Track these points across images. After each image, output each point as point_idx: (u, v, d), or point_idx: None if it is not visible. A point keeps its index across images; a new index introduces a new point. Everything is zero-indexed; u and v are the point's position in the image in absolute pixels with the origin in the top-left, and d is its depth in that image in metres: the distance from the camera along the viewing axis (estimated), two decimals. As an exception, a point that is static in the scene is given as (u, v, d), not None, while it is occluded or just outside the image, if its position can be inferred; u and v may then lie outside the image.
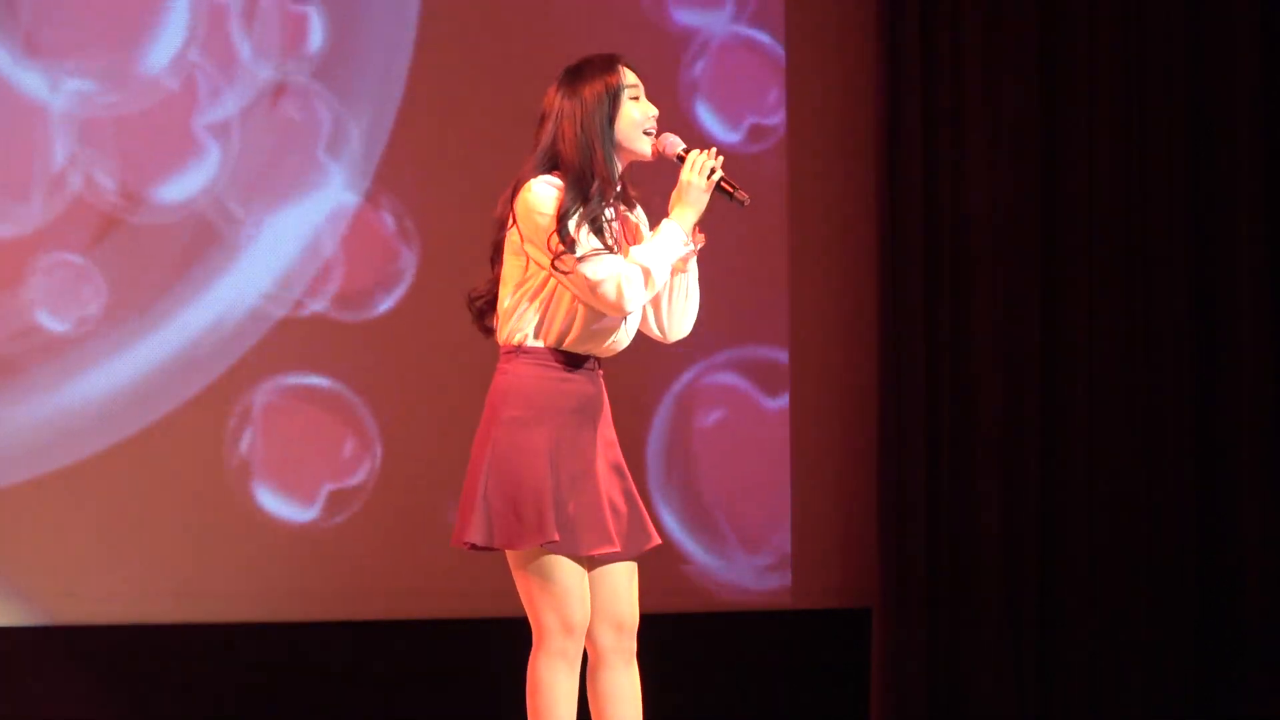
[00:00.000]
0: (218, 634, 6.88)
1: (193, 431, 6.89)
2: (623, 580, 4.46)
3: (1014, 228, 7.31)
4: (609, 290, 4.31)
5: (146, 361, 6.87)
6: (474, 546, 4.39)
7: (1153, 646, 7.32)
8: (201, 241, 6.91)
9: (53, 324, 6.81)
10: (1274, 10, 7.41)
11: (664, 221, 4.43)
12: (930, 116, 7.24)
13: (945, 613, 7.23)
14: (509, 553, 4.39)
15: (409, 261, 7.06)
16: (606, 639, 4.45)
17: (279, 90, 6.95)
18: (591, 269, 4.31)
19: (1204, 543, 7.40)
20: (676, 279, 4.50)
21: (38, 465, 6.80)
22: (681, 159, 4.47)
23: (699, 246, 4.47)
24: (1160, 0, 7.40)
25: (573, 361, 4.42)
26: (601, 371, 4.48)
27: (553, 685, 4.36)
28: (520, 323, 4.41)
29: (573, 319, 4.40)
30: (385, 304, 7.06)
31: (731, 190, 4.44)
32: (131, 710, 6.84)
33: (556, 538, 4.31)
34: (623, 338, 4.48)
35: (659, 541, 4.50)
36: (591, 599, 4.43)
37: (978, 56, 7.29)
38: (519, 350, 4.42)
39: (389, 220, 7.06)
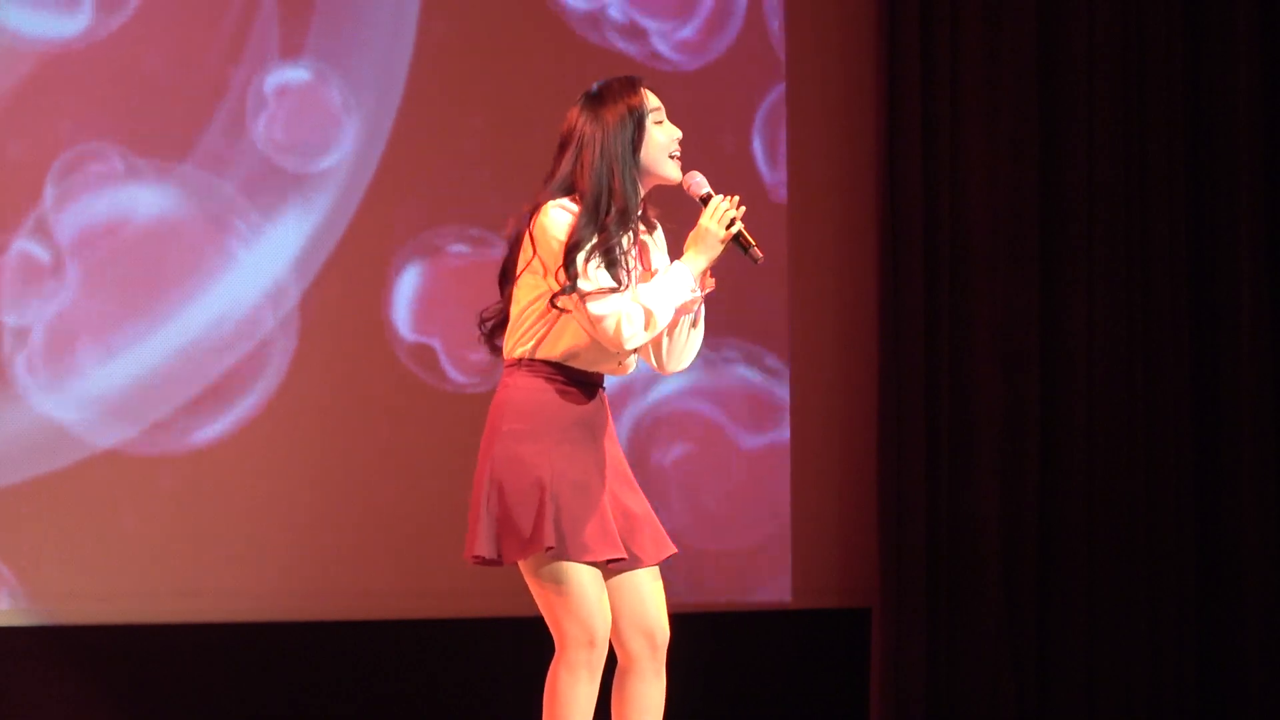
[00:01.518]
0: (218, 634, 6.88)
1: (193, 431, 6.89)
2: (646, 589, 4.45)
3: (1014, 227, 7.31)
4: (608, 327, 4.30)
5: (146, 361, 6.86)
6: (483, 561, 4.39)
7: (1152, 646, 7.33)
8: (203, 240, 6.91)
9: (54, 324, 6.81)
10: (1274, 10, 7.41)
11: (675, 264, 4.41)
12: (930, 117, 7.24)
13: (945, 613, 7.23)
14: (522, 566, 4.39)
15: (414, 262, 7.06)
16: (636, 645, 4.44)
17: (281, 89, 6.96)
18: (593, 305, 4.29)
19: (1203, 542, 7.41)
20: (683, 319, 4.48)
21: (38, 465, 6.80)
22: (704, 202, 4.45)
23: (708, 292, 4.45)
24: (1160, 0, 7.40)
25: (574, 377, 4.41)
26: (604, 390, 4.47)
27: (573, 695, 4.35)
28: (526, 337, 4.40)
29: (582, 337, 4.38)
30: (388, 302, 7.06)
31: (747, 245, 4.41)
32: (131, 710, 6.84)
33: (551, 544, 4.30)
34: (632, 361, 4.47)
35: (675, 550, 4.50)
36: (617, 608, 4.42)
37: (977, 56, 7.29)
38: (520, 364, 4.41)
39: (389, 222, 7.07)
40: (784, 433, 7.33)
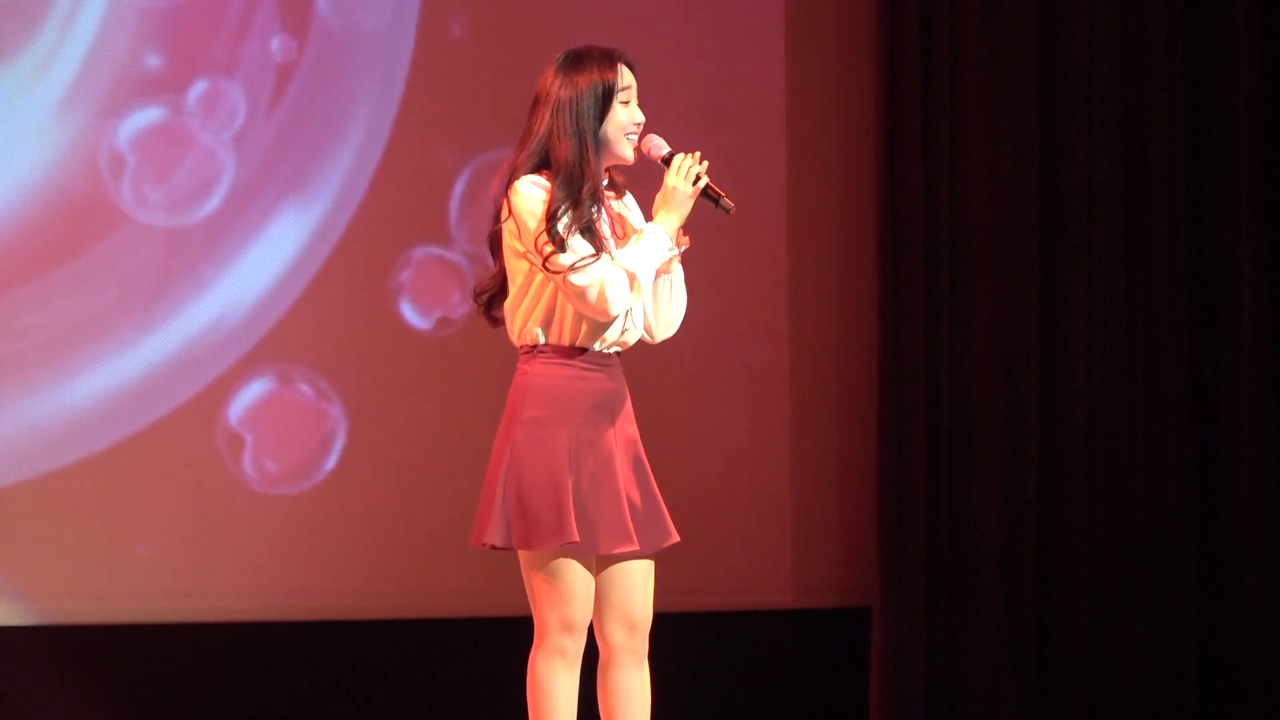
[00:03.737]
0: (218, 634, 6.88)
1: (193, 431, 6.89)
2: (638, 579, 4.46)
3: (1014, 228, 7.31)
4: (592, 295, 4.31)
5: (146, 361, 6.87)
6: (494, 547, 4.39)
7: (1152, 646, 7.33)
8: (202, 240, 6.91)
9: (54, 324, 6.82)
10: (1274, 10, 7.41)
11: (648, 225, 4.43)
12: (930, 116, 7.24)
13: (945, 612, 7.23)
14: (521, 551, 4.39)
15: (413, 262, 7.06)
16: (618, 637, 4.45)
17: (278, 90, 6.96)
18: (575, 277, 4.31)
19: (1203, 542, 7.40)
20: (661, 280, 4.49)
21: (38, 465, 6.80)
22: (666, 162, 4.45)
23: (684, 249, 4.46)
24: (1160, 0, 7.40)
25: (590, 358, 4.42)
26: (621, 364, 4.47)
27: (550, 682, 4.37)
28: (531, 323, 4.42)
29: (580, 314, 4.39)
30: (390, 303, 7.06)
31: (717, 196, 4.43)
32: (131, 710, 6.84)
33: (577, 538, 4.31)
34: (631, 329, 4.47)
35: (678, 539, 4.50)
36: (606, 597, 4.43)
37: (977, 56, 7.29)
38: (536, 350, 4.42)
39: (387, 224, 7.07)
40: (784, 432, 7.32)
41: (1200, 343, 7.43)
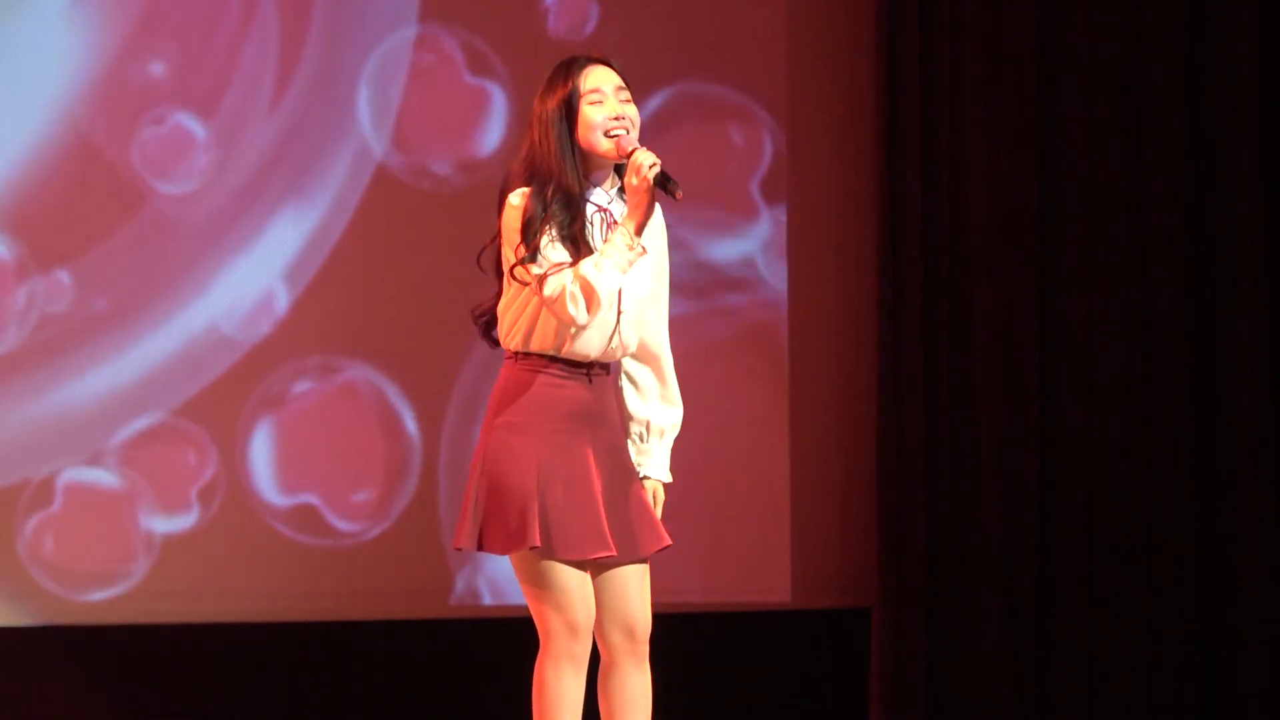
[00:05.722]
0: (217, 634, 6.88)
1: (193, 431, 6.89)
2: (631, 582, 4.46)
3: (1014, 227, 7.31)
4: (556, 304, 4.32)
5: (146, 361, 6.87)
6: (472, 549, 4.41)
7: (1152, 647, 7.33)
8: (202, 239, 6.92)
9: (54, 323, 6.82)
10: (1274, 10, 7.41)
11: (614, 228, 4.42)
12: (930, 117, 7.24)
13: (945, 613, 7.23)
14: (512, 558, 4.40)
15: (413, 261, 7.07)
16: (616, 640, 4.45)
17: (279, 85, 6.97)
18: (545, 287, 4.32)
19: (1203, 543, 7.40)
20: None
21: (38, 465, 6.80)
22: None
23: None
24: (1160, 1, 7.40)
25: (569, 367, 4.42)
26: (606, 377, 4.47)
27: (558, 687, 4.36)
28: (515, 329, 4.42)
29: (566, 325, 4.39)
30: (386, 302, 7.06)
31: (664, 182, 4.38)
32: (131, 710, 6.85)
33: (538, 543, 4.31)
34: (618, 346, 4.46)
35: (668, 543, 4.49)
36: (602, 602, 4.43)
37: (977, 55, 7.29)
38: (516, 357, 4.43)
39: (387, 224, 7.08)
40: (784, 432, 7.32)
41: (1200, 343, 7.43)
